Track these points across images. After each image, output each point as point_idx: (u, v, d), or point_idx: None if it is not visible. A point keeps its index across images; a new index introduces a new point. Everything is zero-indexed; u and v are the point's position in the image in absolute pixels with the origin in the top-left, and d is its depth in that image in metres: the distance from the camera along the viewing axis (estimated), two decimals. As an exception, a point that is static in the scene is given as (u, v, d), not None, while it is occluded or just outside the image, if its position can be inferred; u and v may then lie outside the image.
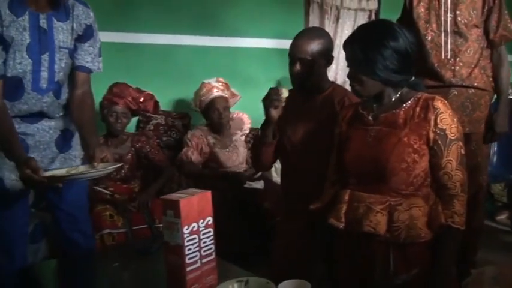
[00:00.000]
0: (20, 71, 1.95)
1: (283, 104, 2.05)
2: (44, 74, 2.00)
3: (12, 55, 1.92)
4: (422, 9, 2.64)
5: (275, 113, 2.06)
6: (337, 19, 4.70)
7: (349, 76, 1.75)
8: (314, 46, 2.12)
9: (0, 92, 1.94)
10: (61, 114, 2.15)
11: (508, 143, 3.86)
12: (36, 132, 2.04)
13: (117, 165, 2.12)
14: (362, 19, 4.79)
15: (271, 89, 2.09)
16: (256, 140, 2.25)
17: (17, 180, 2.01)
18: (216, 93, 3.44)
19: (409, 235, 1.63)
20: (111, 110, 3.03)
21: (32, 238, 2.35)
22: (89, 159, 2.05)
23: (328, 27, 4.53)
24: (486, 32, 2.62)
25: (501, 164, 3.99)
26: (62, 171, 2.00)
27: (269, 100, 2.06)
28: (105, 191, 2.96)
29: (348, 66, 1.75)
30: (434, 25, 2.61)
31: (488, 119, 2.68)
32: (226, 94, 3.51)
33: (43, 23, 1.98)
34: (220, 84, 3.51)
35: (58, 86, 2.07)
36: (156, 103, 3.37)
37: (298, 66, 2.13)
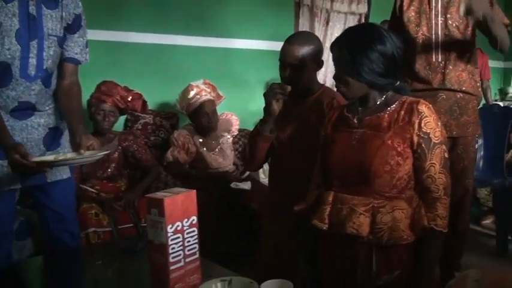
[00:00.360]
0: (9, 56, 1.94)
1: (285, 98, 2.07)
2: (33, 61, 1.99)
3: (0, 41, 1.92)
4: (413, 13, 2.66)
5: (277, 107, 2.08)
6: (327, 22, 4.74)
7: (335, 77, 1.77)
8: (304, 51, 2.14)
9: None
10: (50, 106, 2.15)
11: (494, 148, 3.90)
12: (25, 128, 2.03)
13: (105, 153, 2.13)
14: (352, 22, 4.82)
15: (273, 83, 2.11)
16: (254, 132, 2.24)
17: (5, 182, 2.02)
18: (204, 96, 3.43)
19: (392, 237, 1.64)
20: (99, 108, 3.02)
21: (17, 235, 2.34)
22: (75, 146, 2.05)
23: (318, 31, 4.56)
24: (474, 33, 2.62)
25: (487, 168, 4.01)
26: (50, 158, 2.00)
27: (273, 93, 2.07)
28: (92, 190, 2.95)
29: (334, 67, 1.77)
30: (424, 28, 2.62)
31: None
32: (213, 97, 3.50)
33: (32, 9, 1.97)
34: (207, 86, 3.51)
35: (47, 74, 2.07)
36: (144, 102, 3.37)
37: (288, 71, 2.15)
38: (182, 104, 3.48)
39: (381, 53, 1.66)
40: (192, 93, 3.43)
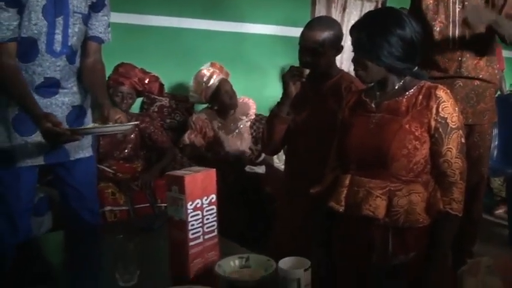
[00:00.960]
0: (35, 32, 1.97)
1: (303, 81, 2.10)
2: (58, 37, 2.03)
3: (27, 16, 1.95)
4: (431, 1, 2.65)
5: (294, 89, 2.11)
6: (343, 9, 4.71)
7: (353, 61, 1.78)
8: (324, 36, 2.15)
9: (14, 53, 1.97)
10: (74, 84, 2.18)
11: (508, 138, 3.89)
12: (49, 106, 2.06)
13: (135, 123, 2.21)
14: (369, 9, 4.79)
15: (292, 66, 2.14)
16: (272, 115, 2.27)
17: (28, 157, 2.06)
18: (219, 76, 3.46)
19: (408, 220, 1.66)
20: (117, 90, 3.05)
21: (36, 211, 2.39)
22: (103, 120, 2.08)
23: (335, 17, 4.54)
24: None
25: (501, 158, 4.01)
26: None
27: (291, 75, 2.11)
28: (109, 170, 2.99)
29: (353, 51, 1.78)
30: (442, 16, 2.62)
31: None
32: (224, 76, 3.53)
33: None
34: (216, 67, 3.53)
35: (71, 51, 2.10)
36: (161, 85, 3.40)
37: (308, 56, 2.16)
38: (199, 91, 3.48)
39: (400, 37, 1.67)
40: (206, 77, 3.45)
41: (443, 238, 1.69)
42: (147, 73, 3.27)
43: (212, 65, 3.53)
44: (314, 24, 2.23)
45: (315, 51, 2.15)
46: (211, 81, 3.44)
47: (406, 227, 1.67)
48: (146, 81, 3.24)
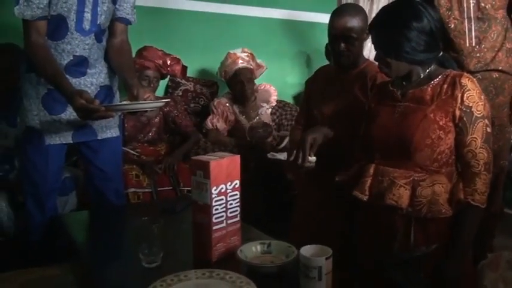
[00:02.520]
0: (65, 9, 2.00)
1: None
2: (88, 16, 2.05)
3: None
4: None
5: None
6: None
7: (376, 59, 1.78)
8: (357, 23, 2.15)
9: (44, 32, 2.01)
10: (102, 64, 2.21)
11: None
12: (78, 86, 2.08)
13: (167, 100, 2.29)
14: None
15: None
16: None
17: (57, 135, 2.10)
18: (240, 64, 3.46)
19: (430, 210, 1.66)
20: (143, 74, 3.06)
21: (61, 191, 2.43)
22: (132, 99, 2.11)
23: (363, 5, 4.48)
24: (509, 10, 2.58)
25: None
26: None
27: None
28: (133, 152, 3.03)
29: (374, 49, 1.77)
30: (456, 12, 2.57)
31: None
32: (251, 65, 3.52)
33: None
34: (246, 55, 3.52)
35: (99, 30, 2.13)
36: (184, 67, 3.39)
37: (342, 44, 2.15)
38: (220, 71, 3.54)
39: (418, 30, 1.66)
40: (228, 61, 3.48)
41: (465, 230, 1.67)
42: (168, 55, 3.27)
43: (243, 51, 3.54)
44: (344, 11, 2.21)
45: (348, 38, 2.14)
46: (231, 66, 3.46)
47: (428, 217, 1.66)
48: (168, 63, 3.25)
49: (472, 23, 2.55)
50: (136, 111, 2.09)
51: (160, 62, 3.17)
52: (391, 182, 1.70)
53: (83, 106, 1.85)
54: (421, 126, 1.67)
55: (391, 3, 1.82)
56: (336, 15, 2.19)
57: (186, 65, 3.42)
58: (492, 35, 2.54)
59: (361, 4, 4.37)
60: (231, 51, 3.51)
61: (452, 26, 2.56)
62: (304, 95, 2.54)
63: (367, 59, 2.34)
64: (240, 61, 3.47)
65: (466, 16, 2.55)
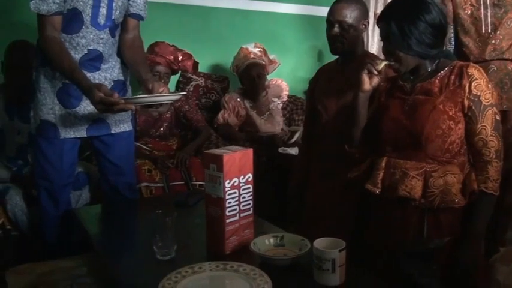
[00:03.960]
0: (81, 3, 2.02)
1: (378, 79, 1.86)
2: (103, 11, 2.07)
3: None
4: None
5: (365, 80, 1.85)
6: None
7: (385, 52, 1.78)
8: (352, 11, 2.19)
9: (59, 26, 2.02)
10: (115, 59, 2.23)
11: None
12: (92, 81, 2.08)
13: (184, 93, 2.31)
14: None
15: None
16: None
17: (71, 129, 2.12)
18: (252, 59, 3.48)
19: (443, 201, 1.66)
20: (154, 70, 3.08)
21: (74, 185, 2.45)
22: (147, 93, 2.12)
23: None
24: None
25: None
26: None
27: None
28: (145, 147, 3.05)
29: (382, 42, 1.78)
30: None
31: None
32: (263, 61, 3.53)
33: None
34: (258, 50, 3.54)
35: (113, 25, 2.15)
36: (195, 63, 3.42)
37: (336, 29, 2.19)
38: (233, 65, 3.57)
39: (428, 23, 1.68)
40: (241, 55, 3.50)
41: (478, 219, 1.68)
42: (179, 50, 3.29)
43: (255, 46, 3.55)
44: (342, 0, 2.24)
45: (343, 24, 2.18)
46: (242, 61, 3.48)
47: (441, 208, 1.67)
48: (180, 59, 3.27)
49: (488, 9, 2.54)
50: (154, 104, 2.10)
51: (172, 57, 3.18)
52: (403, 173, 1.71)
53: (102, 99, 1.86)
54: (431, 117, 1.68)
55: None
56: (334, 2, 2.24)
57: (197, 60, 3.43)
58: (508, 22, 2.53)
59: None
60: (244, 46, 3.53)
61: (469, 12, 2.56)
62: (308, 94, 2.57)
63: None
64: (252, 56, 3.48)
65: (482, 2, 2.55)
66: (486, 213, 1.69)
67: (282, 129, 3.62)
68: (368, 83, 1.85)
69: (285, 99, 3.72)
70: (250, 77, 3.46)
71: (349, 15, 2.18)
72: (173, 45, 3.27)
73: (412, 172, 1.69)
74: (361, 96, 1.89)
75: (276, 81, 3.74)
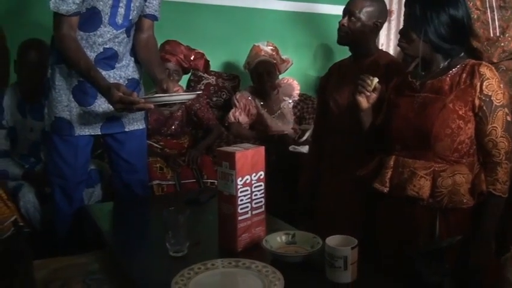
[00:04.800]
0: (101, 3, 2.04)
1: (375, 94, 1.88)
2: (121, 11, 2.09)
3: None
4: None
5: (362, 101, 1.89)
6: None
7: (400, 32, 1.80)
8: (368, 6, 2.19)
9: (76, 26, 2.04)
10: (130, 58, 2.25)
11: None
12: (107, 79, 2.09)
13: (199, 92, 2.37)
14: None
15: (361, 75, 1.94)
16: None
17: (86, 126, 2.14)
18: (262, 57, 3.48)
19: (451, 201, 1.66)
20: (163, 66, 3.09)
21: (87, 182, 2.47)
22: (162, 93, 2.14)
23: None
24: None
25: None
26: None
27: (355, 86, 1.97)
28: (156, 145, 3.06)
29: (403, 22, 1.79)
30: (478, 2, 2.55)
31: None
32: (274, 59, 3.53)
33: None
34: (270, 48, 3.54)
35: (130, 24, 2.17)
36: (207, 62, 3.42)
37: (346, 19, 2.20)
38: (245, 63, 3.58)
39: (450, 17, 1.68)
40: (252, 53, 3.51)
41: (487, 220, 1.67)
42: (192, 50, 3.30)
43: (267, 44, 3.55)
44: None
45: (354, 16, 2.18)
46: (253, 58, 3.49)
47: (449, 208, 1.67)
48: (192, 58, 3.28)
49: (495, 13, 2.53)
50: (168, 103, 2.12)
51: (182, 55, 3.20)
52: (411, 173, 1.71)
53: (121, 99, 1.87)
54: (441, 116, 1.67)
55: None
56: None
57: (208, 59, 3.44)
58: None
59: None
60: (256, 44, 3.54)
61: (475, 16, 2.54)
62: (319, 91, 2.57)
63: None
64: (263, 53, 3.48)
65: (488, 6, 2.54)
66: (495, 215, 1.69)
67: (293, 128, 3.62)
68: (365, 102, 1.88)
69: (296, 98, 3.72)
70: (259, 73, 3.46)
71: (363, 9, 2.18)
72: (187, 45, 3.28)
73: (421, 172, 1.69)
74: (363, 115, 1.92)
75: (288, 80, 3.73)
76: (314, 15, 4.29)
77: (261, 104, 3.53)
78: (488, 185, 1.65)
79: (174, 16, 3.54)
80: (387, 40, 4.34)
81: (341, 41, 2.26)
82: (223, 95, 3.76)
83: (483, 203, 1.67)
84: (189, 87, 3.71)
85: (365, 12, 2.18)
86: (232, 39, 3.90)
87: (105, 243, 1.82)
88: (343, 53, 2.35)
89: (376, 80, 1.85)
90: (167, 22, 3.25)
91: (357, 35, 2.21)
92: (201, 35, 3.72)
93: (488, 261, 1.71)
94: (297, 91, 3.72)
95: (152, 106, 1.97)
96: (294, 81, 3.73)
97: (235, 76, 3.87)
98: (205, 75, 3.71)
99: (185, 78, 3.65)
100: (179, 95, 2.11)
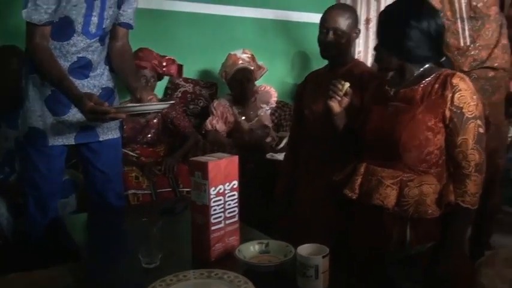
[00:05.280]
0: (74, 12, 2.01)
1: (347, 99, 1.94)
2: (95, 20, 2.07)
3: None
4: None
5: (334, 105, 1.94)
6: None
7: (374, 47, 1.83)
8: (347, 19, 2.25)
9: (48, 36, 2.01)
10: (104, 67, 2.23)
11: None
12: (81, 88, 2.08)
13: (172, 102, 2.35)
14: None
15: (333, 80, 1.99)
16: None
17: (60, 136, 2.11)
18: (240, 65, 3.49)
19: (417, 211, 1.66)
20: (140, 73, 3.08)
21: (61, 193, 2.44)
22: (135, 102, 2.14)
23: (361, 3, 4.47)
24: (501, 8, 2.60)
25: (524, 151, 3.97)
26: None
27: (326, 91, 2.00)
28: (132, 153, 3.04)
29: (376, 37, 1.84)
30: (448, 13, 2.60)
31: (509, 94, 2.67)
32: (251, 66, 3.55)
33: None
34: (247, 56, 3.55)
35: (104, 33, 2.15)
36: (180, 66, 3.41)
37: (331, 36, 2.23)
38: (221, 72, 3.58)
39: (418, 29, 1.69)
40: (229, 62, 3.51)
41: (455, 230, 1.67)
42: (163, 56, 3.30)
43: (243, 51, 3.56)
44: (337, 7, 2.34)
45: (337, 31, 2.22)
46: (231, 67, 3.49)
47: (415, 217, 1.67)
48: (164, 64, 3.28)
49: (465, 23, 2.57)
50: (144, 112, 2.11)
51: (156, 61, 3.21)
52: (378, 181, 1.72)
53: (93, 109, 1.85)
54: (409, 127, 1.68)
55: None
56: (329, 9, 2.31)
57: (181, 63, 3.42)
58: (486, 33, 2.56)
59: (358, 3, 4.39)
60: (232, 52, 3.55)
61: (446, 26, 2.57)
62: (295, 98, 2.59)
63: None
64: (240, 62, 3.50)
65: (458, 16, 2.58)
66: (463, 226, 1.70)
67: (270, 136, 3.63)
68: (337, 107, 1.92)
69: (273, 105, 3.73)
70: (240, 81, 3.47)
71: (344, 23, 2.23)
72: (157, 53, 3.27)
73: (387, 181, 1.70)
74: (336, 119, 1.96)
75: (265, 88, 3.75)
76: (290, 23, 4.32)
77: (239, 112, 3.53)
78: (457, 197, 1.64)
79: (149, 24, 3.53)
80: (365, 48, 4.38)
81: (327, 56, 2.30)
82: (201, 102, 3.75)
83: (451, 214, 1.66)
84: (166, 95, 3.70)
85: (347, 25, 2.24)
86: (209, 47, 3.90)
87: (79, 255, 1.80)
88: (320, 60, 2.38)
89: (347, 84, 1.89)
90: (143, 30, 3.23)
91: (342, 47, 2.26)
92: (177, 42, 3.73)
93: (458, 269, 1.70)
94: (274, 98, 3.73)
95: (124, 116, 1.96)
96: (271, 89, 3.74)
97: (212, 84, 3.87)
98: (182, 82, 3.71)
99: (162, 86, 3.65)
100: (152, 104, 2.10)
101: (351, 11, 2.35)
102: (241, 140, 3.45)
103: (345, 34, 2.23)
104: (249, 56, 3.57)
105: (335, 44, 2.23)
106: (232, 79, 3.50)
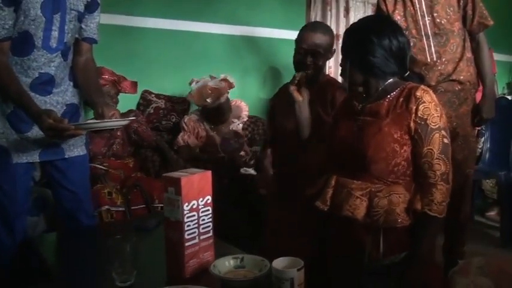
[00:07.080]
0: (33, 27, 1.98)
1: (304, 87, 2.20)
2: (55, 34, 2.05)
3: (25, 12, 1.95)
4: (399, 17, 2.68)
5: (294, 93, 2.20)
6: (347, 11, 4.71)
7: (340, 63, 1.86)
8: (326, 40, 2.28)
9: (7, 51, 1.98)
10: (68, 83, 2.20)
11: (500, 140, 3.94)
12: (43, 105, 2.05)
13: (133, 118, 2.33)
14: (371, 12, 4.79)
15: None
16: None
17: (23, 153, 2.07)
18: (222, 98, 3.45)
19: (387, 220, 1.67)
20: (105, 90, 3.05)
21: (30, 211, 2.39)
22: (97, 117, 2.11)
23: (331, 20, 4.56)
24: (464, 23, 2.67)
25: (493, 161, 4.06)
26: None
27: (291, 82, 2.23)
28: (100, 166, 3.01)
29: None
30: (413, 31, 2.66)
31: (475, 105, 2.74)
32: (228, 91, 3.53)
33: None
34: (225, 84, 3.51)
35: (66, 48, 2.12)
36: (133, 83, 3.39)
37: (311, 58, 2.26)
38: (198, 103, 3.49)
39: (379, 45, 1.72)
40: (210, 98, 3.41)
41: (423, 238, 1.68)
42: (115, 73, 3.29)
43: (223, 80, 3.50)
44: (316, 28, 2.33)
45: (317, 54, 2.23)
46: (212, 101, 3.42)
47: (385, 227, 1.69)
48: (119, 81, 3.28)
49: (431, 39, 2.63)
50: (104, 129, 2.10)
51: (114, 78, 3.20)
52: (348, 193, 1.74)
53: (51, 126, 1.83)
54: (376, 140, 1.71)
55: (367, 16, 1.90)
56: (308, 30, 2.29)
57: (134, 80, 3.40)
58: (451, 47, 2.63)
59: (328, 18, 4.47)
60: (211, 85, 3.44)
61: (412, 44, 2.62)
62: (269, 112, 2.60)
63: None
64: (220, 94, 3.43)
65: (423, 33, 2.64)
66: (431, 235, 1.71)
67: (244, 150, 3.63)
68: (298, 95, 2.20)
69: (245, 119, 3.74)
70: (220, 110, 3.48)
71: (323, 45, 2.26)
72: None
73: (357, 192, 1.72)
74: (298, 107, 2.18)
75: (236, 102, 3.76)
76: (261, 39, 4.36)
77: (210, 127, 3.52)
78: (424, 206, 1.66)
79: (118, 40, 3.52)
80: (335, 64, 4.45)
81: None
82: (173, 118, 3.74)
83: (419, 222, 1.68)
84: (139, 111, 3.67)
85: (324, 46, 2.28)
86: (180, 63, 3.90)
87: (51, 276, 1.76)
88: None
89: (300, 73, 2.20)
90: (111, 46, 3.24)
91: (318, 68, 2.30)
92: (147, 58, 3.72)
93: (429, 278, 1.72)
94: (245, 112, 3.74)
95: (83, 133, 1.95)
96: (242, 103, 3.76)
97: (184, 99, 3.85)
98: (155, 98, 3.70)
99: (134, 101, 3.63)
100: (111, 121, 2.08)
101: (330, 33, 2.35)
102: (214, 154, 3.44)
103: (323, 56, 2.26)
104: (228, 83, 3.54)
105: (313, 65, 2.25)
106: (212, 109, 3.47)
